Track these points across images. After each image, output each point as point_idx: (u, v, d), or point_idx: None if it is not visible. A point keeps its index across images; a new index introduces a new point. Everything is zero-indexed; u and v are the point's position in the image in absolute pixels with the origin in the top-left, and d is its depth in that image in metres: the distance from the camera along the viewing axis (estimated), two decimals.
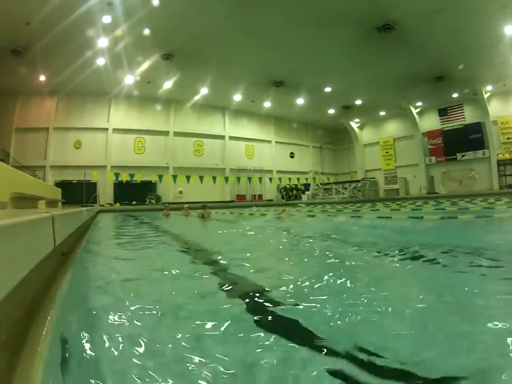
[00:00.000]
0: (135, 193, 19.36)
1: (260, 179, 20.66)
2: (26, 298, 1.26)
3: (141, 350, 1.07)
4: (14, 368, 0.93)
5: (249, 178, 20.68)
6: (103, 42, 13.46)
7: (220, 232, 6.37)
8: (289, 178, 22.14)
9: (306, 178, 23.59)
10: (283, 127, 25.89)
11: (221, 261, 2.86)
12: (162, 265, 2.69)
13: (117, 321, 1.36)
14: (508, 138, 20.37)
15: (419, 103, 22.90)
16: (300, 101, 21.43)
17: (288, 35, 13.60)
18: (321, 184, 23.11)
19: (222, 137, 23.36)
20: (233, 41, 14.13)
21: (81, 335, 1.18)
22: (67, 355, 1.05)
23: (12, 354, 0.96)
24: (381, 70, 16.93)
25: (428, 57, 15.56)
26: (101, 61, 14.99)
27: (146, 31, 12.80)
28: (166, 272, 2.33)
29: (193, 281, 2.14)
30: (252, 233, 5.43)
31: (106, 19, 11.93)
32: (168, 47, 14.22)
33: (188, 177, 18.38)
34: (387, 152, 25.53)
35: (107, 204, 18.53)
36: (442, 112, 22.75)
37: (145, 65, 15.78)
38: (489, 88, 20.22)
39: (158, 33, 12.99)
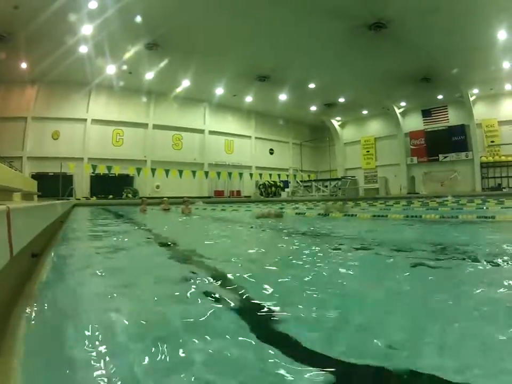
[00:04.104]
0: (112, 187, 19.13)
1: (241, 175, 20.57)
2: None
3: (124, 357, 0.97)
4: None
5: (230, 174, 20.51)
6: (87, 29, 13.02)
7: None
8: (270, 175, 22.11)
9: (287, 175, 23.54)
10: (264, 123, 25.71)
11: None
12: None
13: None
14: (492, 142, 20.40)
15: (403, 103, 22.76)
16: (283, 97, 21.21)
17: (277, 28, 13.37)
18: (301, 181, 23.09)
19: (202, 131, 23.15)
20: (221, 31, 13.79)
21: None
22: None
23: None
24: (368, 68, 16.72)
25: (417, 57, 15.37)
26: (83, 49, 14.51)
27: (132, 19, 12.39)
28: None
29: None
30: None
31: (93, 4, 11.52)
32: (153, 36, 13.84)
33: (167, 171, 18.12)
34: (368, 151, 25.51)
35: (83, 197, 18.22)
36: (426, 113, 22.66)
37: (128, 54, 15.36)
38: (475, 91, 20.16)
39: (145, 21, 12.57)
